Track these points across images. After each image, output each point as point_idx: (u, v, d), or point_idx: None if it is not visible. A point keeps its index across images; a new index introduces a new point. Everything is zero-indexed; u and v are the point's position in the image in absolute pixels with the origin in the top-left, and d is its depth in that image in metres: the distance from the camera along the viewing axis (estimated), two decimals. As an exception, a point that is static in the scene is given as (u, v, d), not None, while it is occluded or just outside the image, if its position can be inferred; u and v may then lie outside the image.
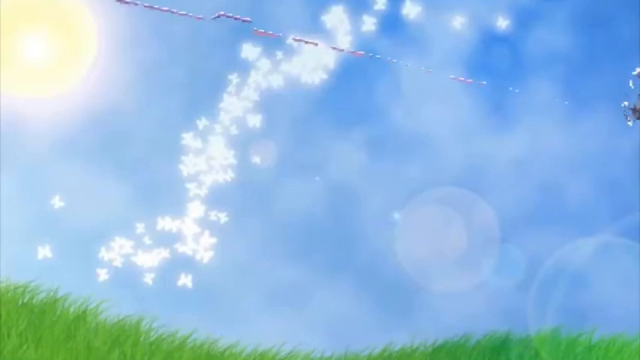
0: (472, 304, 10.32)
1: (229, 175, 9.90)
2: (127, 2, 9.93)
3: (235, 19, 10.03)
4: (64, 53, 10.02)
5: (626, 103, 10.52)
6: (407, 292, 9.94)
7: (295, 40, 10.29)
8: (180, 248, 10.07)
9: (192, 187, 10.11)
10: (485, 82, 9.59)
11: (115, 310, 9.58)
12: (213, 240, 9.78)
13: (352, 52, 10.41)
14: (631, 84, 10.37)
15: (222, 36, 10.25)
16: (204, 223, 9.87)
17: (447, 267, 10.22)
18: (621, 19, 10.90)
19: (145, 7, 9.94)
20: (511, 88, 10.78)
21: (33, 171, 9.93)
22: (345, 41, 10.43)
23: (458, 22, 10.65)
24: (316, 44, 10.35)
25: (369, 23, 10.51)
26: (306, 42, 10.33)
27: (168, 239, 10.08)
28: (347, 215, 10.11)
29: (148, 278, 10.01)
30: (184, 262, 9.93)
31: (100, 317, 9.51)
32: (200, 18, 10.12)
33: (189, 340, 9.25)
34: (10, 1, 9.85)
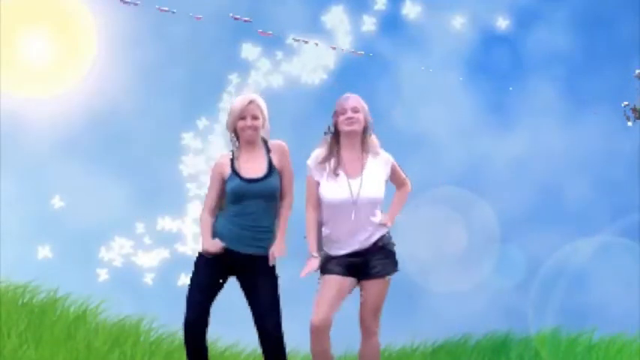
0: (472, 304, 10.31)
1: (229, 175, 9.87)
2: (127, 2, 9.92)
3: (236, 19, 10.03)
4: (64, 53, 10.02)
5: (626, 103, 10.53)
6: (407, 292, 9.94)
7: (295, 40, 10.29)
8: (180, 248, 10.07)
9: (192, 187, 10.11)
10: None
11: (115, 310, 9.58)
12: (213, 240, 9.75)
13: (352, 52, 10.41)
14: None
15: (222, 36, 10.24)
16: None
17: (447, 267, 10.21)
18: (621, 19, 10.90)
19: (145, 7, 9.94)
20: (511, 88, 10.78)
21: (33, 171, 9.93)
22: (345, 41, 10.42)
23: (458, 22, 10.64)
24: (316, 44, 10.35)
25: (369, 23, 10.51)
26: (306, 42, 10.33)
27: (168, 239, 10.07)
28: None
29: (148, 278, 10.01)
30: (184, 262, 9.91)
31: (100, 317, 9.50)
32: (200, 18, 10.12)
33: (189, 340, 9.23)
34: (10, 1, 9.85)
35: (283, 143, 6.83)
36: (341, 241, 6.72)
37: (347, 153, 6.75)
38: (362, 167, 6.73)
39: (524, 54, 10.89)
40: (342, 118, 6.75)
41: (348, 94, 6.85)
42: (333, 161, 6.74)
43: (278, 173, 6.75)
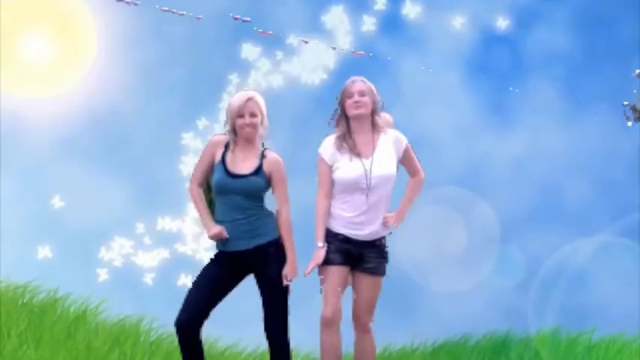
0: (472, 304, 10.32)
1: (229, 175, 9.88)
2: (127, 2, 9.92)
3: (236, 19, 10.03)
4: (64, 53, 10.02)
5: (626, 103, 10.53)
6: (407, 292, 9.94)
7: (295, 40, 10.30)
8: (180, 248, 10.07)
9: (192, 187, 10.10)
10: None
11: (115, 310, 9.57)
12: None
13: (353, 52, 10.41)
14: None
15: (222, 36, 10.24)
16: (204, 223, 9.84)
17: (447, 267, 10.22)
18: (621, 19, 10.90)
19: (145, 7, 9.94)
20: (511, 88, 10.78)
21: (33, 171, 9.93)
22: (345, 41, 10.43)
23: (458, 22, 10.65)
24: (317, 44, 10.35)
25: (369, 23, 10.51)
26: (306, 42, 10.33)
27: (168, 239, 10.07)
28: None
29: (148, 278, 10.00)
30: (184, 262, 9.93)
31: (100, 317, 9.50)
32: (200, 18, 10.12)
33: (189, 340, 9.22)
34: (10, 1, 9.85)
35: (280, 159, 6.76)
36: (351, 220, 6.72)
37: (357, 135, 6.77)
38: (373, 147, 6.75)
39: (524, 54, 10.89)
40: (349, 102, 6.76)
41: (354, 77, 6.85)
42: (347, 142, 6.75)
43: (266, 177, 6.68)
